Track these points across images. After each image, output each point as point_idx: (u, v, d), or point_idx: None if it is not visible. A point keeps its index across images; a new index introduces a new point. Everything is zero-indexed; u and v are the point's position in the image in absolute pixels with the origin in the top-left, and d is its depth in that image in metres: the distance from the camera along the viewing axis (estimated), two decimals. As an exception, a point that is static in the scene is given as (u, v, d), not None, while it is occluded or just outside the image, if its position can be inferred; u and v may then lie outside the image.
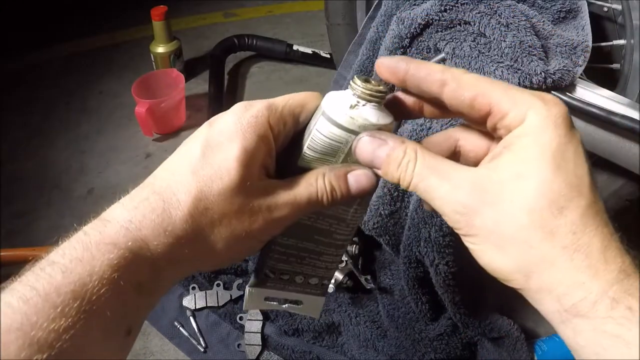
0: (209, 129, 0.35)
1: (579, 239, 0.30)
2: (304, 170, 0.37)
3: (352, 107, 0.35)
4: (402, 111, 0.38)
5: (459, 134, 0.38)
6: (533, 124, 0.31)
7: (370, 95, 0.35)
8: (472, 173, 0.33)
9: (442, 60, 0.77)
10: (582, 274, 0.29)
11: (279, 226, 0.36)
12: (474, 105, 0.33)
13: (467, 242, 0.33)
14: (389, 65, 0.35)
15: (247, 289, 0.42)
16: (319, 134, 0.36)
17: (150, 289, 0.33)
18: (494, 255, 0.32)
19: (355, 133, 0.35)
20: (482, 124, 0.35)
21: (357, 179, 0.37)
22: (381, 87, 0.35)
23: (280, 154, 0.38)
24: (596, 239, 0.30)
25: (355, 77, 0.36)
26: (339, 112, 0.35)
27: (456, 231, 0.34)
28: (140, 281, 0.32)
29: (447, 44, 0.76)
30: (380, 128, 0.36)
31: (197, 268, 0.36)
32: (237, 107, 0.36)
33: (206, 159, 0.34)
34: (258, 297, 0.42)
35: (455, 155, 0.39)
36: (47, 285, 0.28)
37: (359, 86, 0.35)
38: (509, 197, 0.31)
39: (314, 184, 0.36)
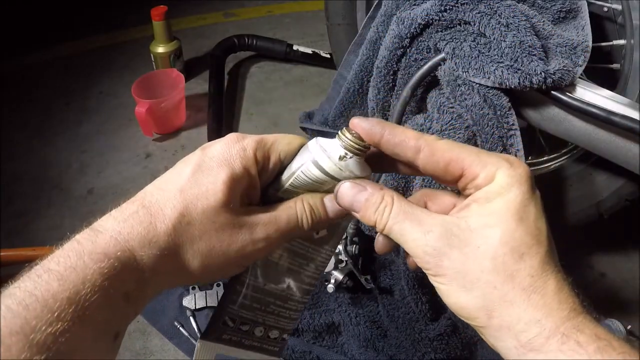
0: (202, 154, 0.38)
1: (536, 281, 0.33)
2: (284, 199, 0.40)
3: (341, 158, 0.38)
4: (380, 165, 0.42)
5: (426, 196, 0.42)
6: (500, 182, 0.35)
7: (358, 149, 0.38)
8: (442, 219, 0.36)
9: (443, 60, 0.77)
10: (538, 312, 0.33)
11: (257, 250, 0.39)
12: (447, 170, 0.37)
13: (436, 281, 0.36)
14: (364, 128, 0.38)
15: (198, 341, 0.41)
16: (303, 175, 0.39)
17: (136, 298, 0.35)
18: (459, 294, 0.35)
19: (338, 180, 0.39)
20: (452, 184, 0.38)
21: (333, 202, 0.41)
22: (366, 143, 0.38)
23: (264, 187, 0.40)
24: (551, 282, 0.34)
25: (344, 129, 0.38)
26: (328, 161, 0.38)
27: (425, 271, 0.36)
28: (127, 290, 0.34)
29: (447, 44, 0.76)
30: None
31: (177, 282, 0.38)
32: (230, 138, 0.39)
33: (195, 179, 0.37)
34: (209, 352, 0.41)
35: None
36: (45, 292, 0.30)
37: (349, 139, 0.38)
38: (476, 242, 0.34)
39: (293, 207, 0.40)
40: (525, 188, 0.35)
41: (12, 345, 0.28)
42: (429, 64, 0.78)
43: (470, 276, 0.34)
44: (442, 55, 0.77)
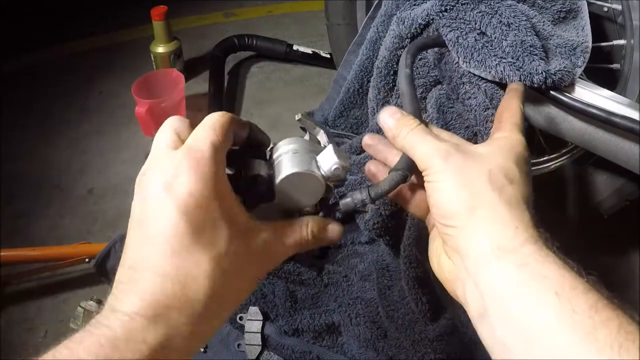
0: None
1: (519, 204, 0.39)
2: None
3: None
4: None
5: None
6: (509, 131, 0.45)
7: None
8: (457, 139, 0.47)
9: (443, 44, 0.76)
10: (518, 222, 0.38)
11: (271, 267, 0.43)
12: None
13: (434, 179, 0.41)
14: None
15: None
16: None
17: None
18: (452, 190, 0.40)
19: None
20: None
21: (332, 232, 0.46)
22: None
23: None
24: (529, 210, 0.40)
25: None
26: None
27: (426, 174, 0.42)
28: None
29: (450, 31, 0.74)
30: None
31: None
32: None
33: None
34: None
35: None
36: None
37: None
38: (480, 157, 0.42)
39: (298, 232, 0.44)
40: (525, 143, 0.44)
41: None
42: (432, 37, 0.77)
43: (467, 177, 0.40)
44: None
